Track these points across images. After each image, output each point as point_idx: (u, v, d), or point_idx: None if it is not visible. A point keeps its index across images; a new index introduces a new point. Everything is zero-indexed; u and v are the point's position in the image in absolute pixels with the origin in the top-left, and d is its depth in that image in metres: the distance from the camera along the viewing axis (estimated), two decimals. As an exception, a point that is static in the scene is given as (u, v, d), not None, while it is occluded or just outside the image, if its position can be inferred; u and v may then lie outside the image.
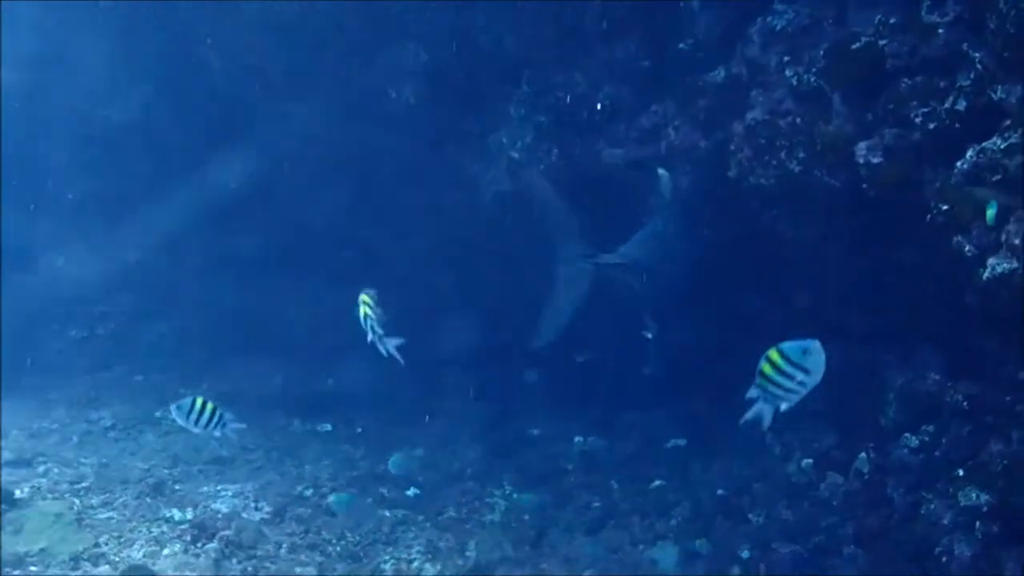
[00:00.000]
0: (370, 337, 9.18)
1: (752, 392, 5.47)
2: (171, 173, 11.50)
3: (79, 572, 8.66)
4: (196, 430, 7.33)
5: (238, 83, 10.91)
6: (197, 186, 11.16)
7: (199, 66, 10.87)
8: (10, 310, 11.38)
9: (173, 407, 7.28)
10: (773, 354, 5.32)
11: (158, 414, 11.34)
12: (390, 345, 8.04)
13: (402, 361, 8.66)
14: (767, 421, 5.55)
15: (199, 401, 7.18)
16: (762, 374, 5.36)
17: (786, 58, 8.07)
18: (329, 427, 11.15)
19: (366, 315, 9.18)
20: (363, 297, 7.93)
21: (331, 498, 10.03)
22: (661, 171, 8.64)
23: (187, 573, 8.78)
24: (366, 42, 10.00)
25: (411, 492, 9.93)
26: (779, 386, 5.37)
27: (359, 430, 10.36)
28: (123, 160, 12.22)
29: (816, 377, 5.30)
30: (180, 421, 7.26)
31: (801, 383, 5.33)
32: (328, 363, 11.47)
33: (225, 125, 10.90)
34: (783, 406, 5.52)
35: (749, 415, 5.57)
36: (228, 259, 11.65)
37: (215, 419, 7.19)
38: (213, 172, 10.96)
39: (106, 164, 12.34)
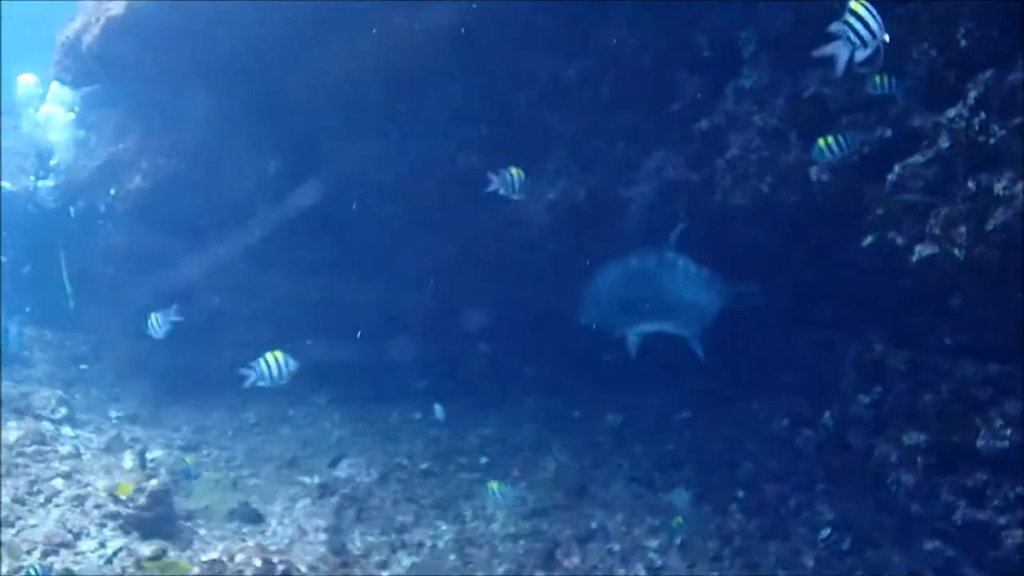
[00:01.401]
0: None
1: (834, 26, 4.98)
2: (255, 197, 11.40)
3: (233, 525, 8.73)
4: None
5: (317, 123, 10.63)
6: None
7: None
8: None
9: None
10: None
11: (291, 412, 11.36)
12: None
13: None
14: (841, 65, 5.12)
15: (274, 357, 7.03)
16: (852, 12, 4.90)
17: (754, 108, 8.06)
18: (418, 416, 11.04)
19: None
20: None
21: (424, 464, 10.13)
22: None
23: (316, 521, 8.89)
24: (441, 118, 9.88)
25: (484, 459, 9.88)
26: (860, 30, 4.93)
27: (440, 418, 9.88)
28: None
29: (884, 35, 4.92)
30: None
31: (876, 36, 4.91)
32: (416, 368, 11.26)
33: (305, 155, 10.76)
34: (857, 55, 5.05)
35: (827, 49, 5.08)
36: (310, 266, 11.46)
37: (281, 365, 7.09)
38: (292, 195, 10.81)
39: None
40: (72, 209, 11.94)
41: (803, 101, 7.63)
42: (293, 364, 7.01)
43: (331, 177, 10.42)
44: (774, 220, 8.00)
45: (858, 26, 4.89)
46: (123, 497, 8.24)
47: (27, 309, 12.09)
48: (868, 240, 7.67)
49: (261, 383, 6.99)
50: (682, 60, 8.61)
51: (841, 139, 6.94)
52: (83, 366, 12.69)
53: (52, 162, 12.96)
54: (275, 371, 6.95)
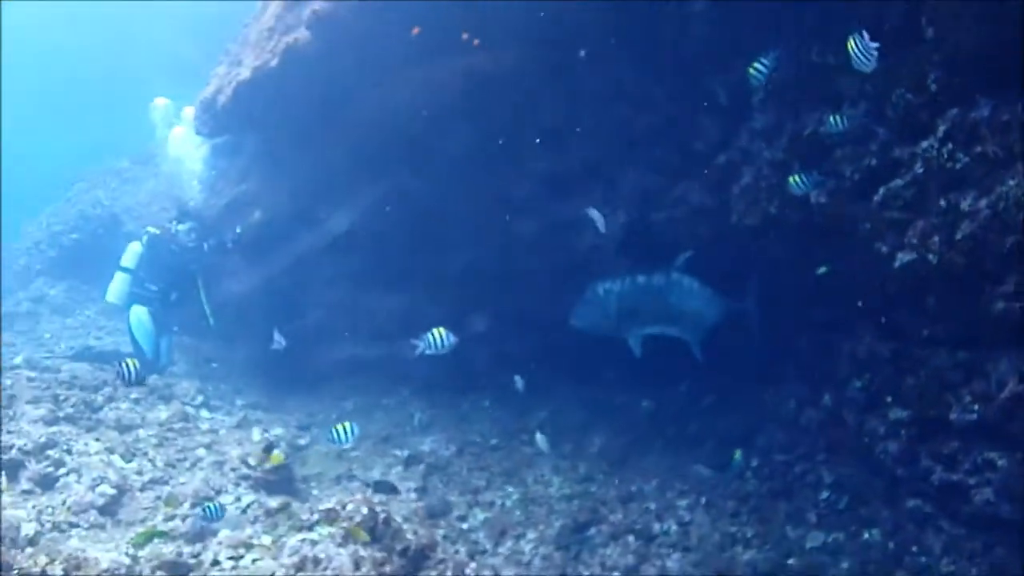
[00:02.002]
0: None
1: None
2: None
3: (339, 487, 8.92)
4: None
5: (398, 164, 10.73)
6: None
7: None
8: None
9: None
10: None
11: (382, 401, 11.47)
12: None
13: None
14: None
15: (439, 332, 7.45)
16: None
17: (763, 145, 8.12)
18: (487, 403, 11.13)
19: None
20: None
21: (493, 441, 10.27)
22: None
23: (408, 483, 9.04)
24: (508, 157, 9.94)
25: (539, 441, 9.98)
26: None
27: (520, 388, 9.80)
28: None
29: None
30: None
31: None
32: (482, 364, 11.26)
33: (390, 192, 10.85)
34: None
35: None
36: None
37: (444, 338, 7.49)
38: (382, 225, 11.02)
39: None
40: (206, 245, 12.12)
41: (803, 138, 7.70)
42: (453, 338, 7.53)
43: (416, 208, 10.56)
44: (780, 236, 8.10)
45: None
46: (276, 465, 8.53)
47: (175, 328, 12.32)
48: (822, 270, 7.92)
49: (428, 351, 7.55)
50: (703, 107, 8.64)
51: (804, 177, 7.30)
52: (213, 364, 12.94)
53: (191, 204, 13.25)
54: (439, 343, 7.50)
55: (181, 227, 12.14)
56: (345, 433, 7.46)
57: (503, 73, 8.98)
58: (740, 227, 8.38)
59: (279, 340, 9.46)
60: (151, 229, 12.33)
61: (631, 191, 9.32)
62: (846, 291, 8.05)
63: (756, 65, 7.20)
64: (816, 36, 7.54)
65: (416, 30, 8.65)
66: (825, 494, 8.56)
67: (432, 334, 7.53)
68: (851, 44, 6.04)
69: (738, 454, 9.07)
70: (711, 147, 8.63)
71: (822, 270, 8.09)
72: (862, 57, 6.03)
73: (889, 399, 7.98)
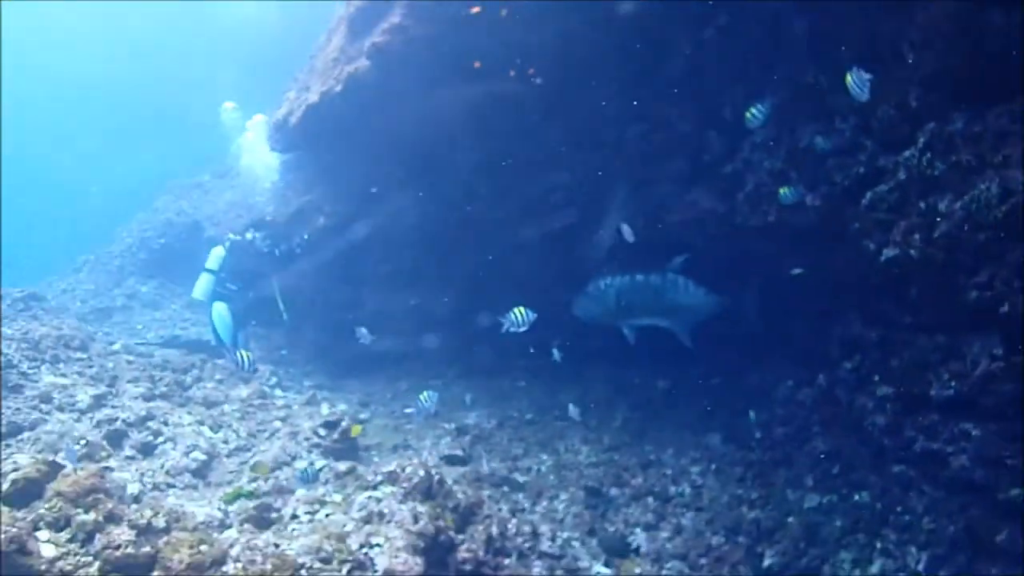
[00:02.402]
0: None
1: None
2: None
3: (396, 455, 9.08)
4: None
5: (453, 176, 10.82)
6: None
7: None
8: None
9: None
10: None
11: (431, 382, 11.54)
12: None
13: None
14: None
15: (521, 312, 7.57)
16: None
17: (764, 156, 8.20)
18: (523, 383, 11.23)
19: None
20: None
21: (528, 416, 10.38)
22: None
23: (456, 452, 9.19)
24: (535, 167, 10.04)
25: (572, 410, 10.08)
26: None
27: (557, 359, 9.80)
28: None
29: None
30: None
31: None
32: (518, 350, 11.38)
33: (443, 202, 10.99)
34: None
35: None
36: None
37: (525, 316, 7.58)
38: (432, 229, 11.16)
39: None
40: (277, 250, 12.32)
41: (799, 150, 7.79)
42: (532, 315, 7.58)
43: (465, 216, 10.74)
44: (779, 236, 8.18)
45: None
46: (355, 436, 8.75)
47: (252, 323, 12.53)
48: (797, 271, 8.09)
49: (511, 329, 7.59)
50: (712, 124, 8.70)
51: (791, 189, 7.65)
52: (283, 351, 13.16)
53: (268, 218, 13.46)
54: (521, 320, 7.55)
55: (256, 235, 12.37)
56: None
57: (531, 95, 9.11)
58: (745, 227, 8.45)
59: (365, 334, 9.59)
60: (232, 236, 12.57)
61: (647, 198, 9.36)
62: (837, 283, 8.12)
63: (753, 110, 7.35)
64: (810, 60, 7.64)
65: (477, 64, 8.77)
66: (820, 461, 8.61)
67: (514, 312, 7.62)
68: (849, 77, 6.26)
69: (752, 414, 9.20)
70: (718, 159, 8.67)
71: (797, 271, 8.23)
72: (858, 88, 6.21)
73: (876, 378, 8.04)
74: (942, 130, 6.48)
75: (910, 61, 6.68)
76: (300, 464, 7.91)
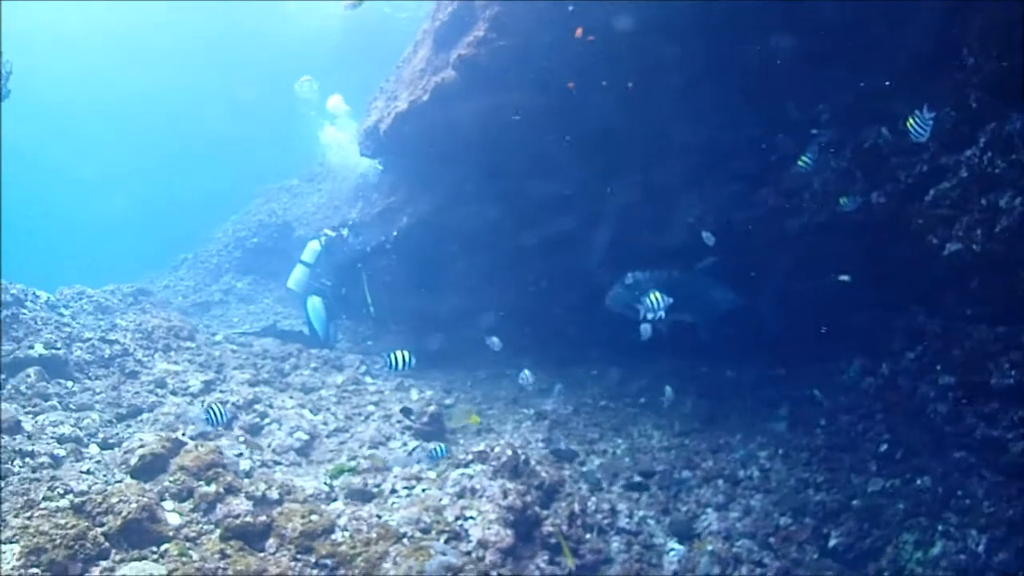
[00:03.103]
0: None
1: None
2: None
3: (479, 437, 9.33)
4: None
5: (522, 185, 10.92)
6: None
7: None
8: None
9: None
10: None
11: (507, 371, 11.69)
12: None
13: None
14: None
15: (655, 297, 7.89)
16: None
17: (829, 156, 8.28)
18: (595, 372, 11.33)
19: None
20: None
21: (602, 402, 10.56)
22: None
23: (537, 435, 9.41)
24: (613, 170, 10.13)
25: (642, 400, 10.22)
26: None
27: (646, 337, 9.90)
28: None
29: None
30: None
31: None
32: (590, 341, 11.56)
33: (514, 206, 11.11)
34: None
35: None
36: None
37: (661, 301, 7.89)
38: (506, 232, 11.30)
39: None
40: (368, 247, 12.65)
41: (864, 150, 7.87)
42: (669, 299, 7.91)
43: (541, 221, 10.90)
44: (846, 232, 8.25)
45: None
46: (472, 424, 9.12)
47: (344, 317, 12.92)
48: (844, 278, 8.28)
49: (649, 315, 8.15)
50: (778, 126, 8.78)
51: (849, 198, 7.83)
52: (369, 342, 13.49)
53: (352, 215, 13.84)
54: (657, 305, 7.96)
55: (348, 232, 12.76)
56: (403, 360, 7.52)
57: (606, 101, 9.26)
58: (811, 225, 8.55)
59: (495, 343, 9.69)
60: (328, 232, 12.98)
61: (717, 196, 9.47)
62: (899, 276, 8.18)
63: (804, 158, 7.64)
64: (871, 64, 7.73)
65: (571, 84, 8.97)
66: (883, 447, 8.67)
67: (650, 297, 7.90)
68: (911, 120, 6.43)
69: (817, 392, 9.33)
70: (785, 159, 8.74)
71: (844, 278, 8.32)
72: (920, 128, 6.40)
73: (938, 367, 8.15)
74: (1001, 130, 6.58)
75: (970, 64, 6.76)
76: (394, 444, 8.24)
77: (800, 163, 7.88)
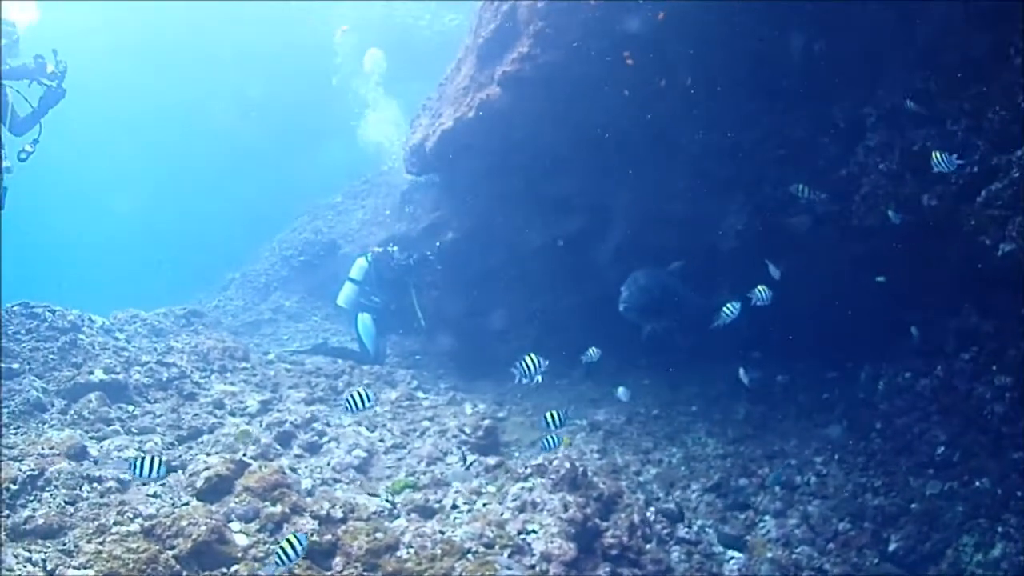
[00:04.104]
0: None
1: None
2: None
3: (534, 449, 9.33)
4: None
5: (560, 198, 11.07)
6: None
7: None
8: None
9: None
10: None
11: (557, 382, 11.70)
12: None
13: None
14: None
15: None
16: None
17: (878, 159, 8.24)
18: (646, 382, 11.18)
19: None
20: None
21: (655, 411, 10.55)
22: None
23: (591, 446, 9.42)
24: (653, 179, 10.19)
25: (694, 408, 10.19)
26: None
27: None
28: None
29: None
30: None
31: None
32: (638, 350, 11.39)
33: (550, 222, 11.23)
34: None
35: None
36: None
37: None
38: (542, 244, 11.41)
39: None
40: (411, 259, 12.76)
41: (913, 152, 7.81)
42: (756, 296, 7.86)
43: (573, 230, 11.00)
44: (895, 234, 8.20)
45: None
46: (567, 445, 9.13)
47: (399, 331, 13.04)
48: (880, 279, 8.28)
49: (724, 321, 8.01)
50: (824, 130, 8.74)
51: (893, 211, 7.91)
52: (417, 356, 13.56)
53: (399, 229, 13.94)
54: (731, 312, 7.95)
55: (395, 248, 12.89)
56: (362, 400, 7.06)
57: (654, 110, 9.31)
58: (861, 228, 8.49)
59: (592, 353, 9.63)
60: (375, 249, 13.12)
61: (764, 200, 9.44)
62: (951, 277, 8.13)
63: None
64: (919, 64, 7.69)
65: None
66: (940, 449, 8.56)
67: (726, 308, 7.90)
68: (935, 156, 6.72)
69: (881, 383, 9.29)
70: (832, 163, 8.72)
71: (880, 279, 8.36)
72: (943, 164, 6.72)
73: (994, 368, 8.07)
74: (1052, 129, 6.52)
75: (1017, 64, 6.72)
76: (451, 459, 8.31)
77: (891, 214, 7.96)
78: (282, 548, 5.44)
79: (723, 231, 9.64)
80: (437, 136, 11.00)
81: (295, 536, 5.52)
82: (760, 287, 7.92)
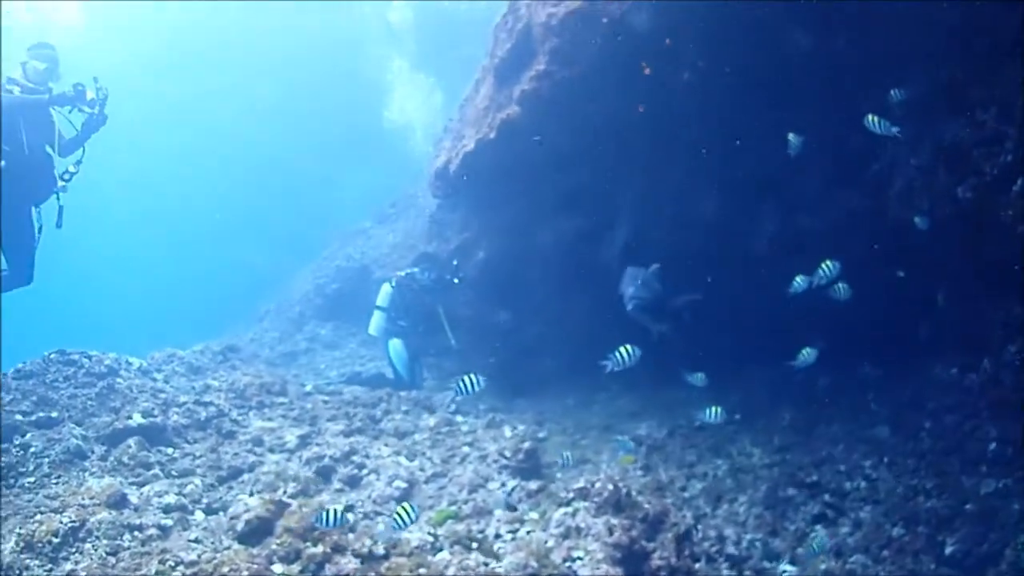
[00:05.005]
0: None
1: None
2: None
3: (576, 470, 9.20)
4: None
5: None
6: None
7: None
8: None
9: None
10: None
11: (596, 396, 11.64)
12: None
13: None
14: None
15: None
16: None
17: (908, 153, 8.12)
18: (683, 395, 10.81)
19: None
20: None
21: (695, 423, 10.34)
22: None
23: (630, 465, 9.28)
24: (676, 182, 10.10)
25: (737, 416, 10.00)
26: None
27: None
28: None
29: None
30: None
31: None
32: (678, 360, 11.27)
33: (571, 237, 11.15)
34: None
35: None
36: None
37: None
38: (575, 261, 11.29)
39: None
40: (429, 278, 12.70)
41: (944, 147, 7.67)
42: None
43: (602, 245, 10.92)
44: (932, 227, 8.02)
45: None
46: (627, 465, 9.06)
47: (431, 352, 12.98)
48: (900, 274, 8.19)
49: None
50: (852, 125, 8.51)
51: (921, 218, 7.92)
52: (455, 378, 13.47)
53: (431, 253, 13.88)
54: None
55: (416, 269, 12.83)
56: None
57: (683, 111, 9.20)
58: (897, 222, 8.31)
59: (700, 377, 9.32)
60: (399, 273, 13.09)
61: (794, 196, 9.31)
62: (992, 268, 7.89)
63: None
64: (947, 55, 7.53)
65: (641, 108, 8.93)
66: (992, 446, 8.31)
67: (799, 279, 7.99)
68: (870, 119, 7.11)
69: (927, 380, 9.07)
70: (861, 159, 8.58)
71: (900, 274, 8.29)
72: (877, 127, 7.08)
73: (1043, 359, 7.86)
74: (1084, 114, 6.34)
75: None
76: (493, 485, 8.20)
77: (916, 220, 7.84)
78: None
79: (758, 235, 9.46)
80: (460, 159, 11.01)
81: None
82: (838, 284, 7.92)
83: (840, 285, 7.87)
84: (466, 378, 7.98)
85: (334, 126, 33.62)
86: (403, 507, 6.47)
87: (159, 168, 41.06)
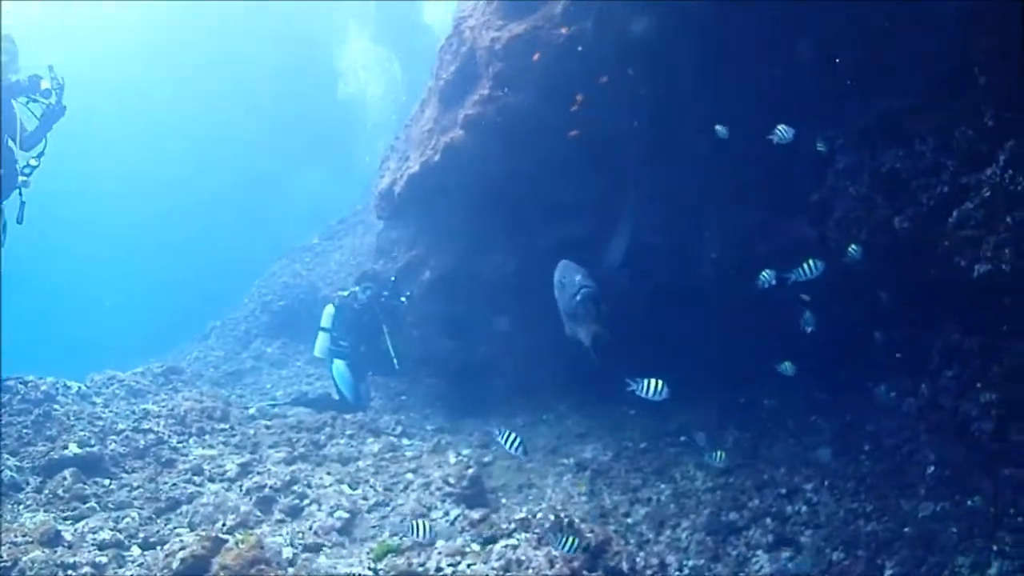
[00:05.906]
0: None
1: None
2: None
3: (522, 495, 9.20)
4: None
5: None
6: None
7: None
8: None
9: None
10: None
11: (543, 416, 11.57)
12: None
13: None
14: None
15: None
16: None
17: (848, 182, 8.18)
18: (632, 412, 10.96)
19: None
20: None
21: (642, 444, 10.34)
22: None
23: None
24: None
25: (682, 438, 9.99)
26: None
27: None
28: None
29: None
30: None
31: None
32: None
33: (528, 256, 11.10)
34: None
35: None
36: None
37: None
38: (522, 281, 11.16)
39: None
40: (382, 297, 12.59)
41: (882, 174, 7.73)
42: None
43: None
44: (871, 256, 8.10)
45: None
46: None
47: (370, 373, 12.84)
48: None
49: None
50: (795, 156, 8.61)
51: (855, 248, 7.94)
52: (402, 397, 13.42)
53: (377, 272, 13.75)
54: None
55: (357, 288, 12.71)
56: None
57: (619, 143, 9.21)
58: (838, 251, 8.39)
59: (702, 437, 9.38)
60: (341, 293, 12.97)
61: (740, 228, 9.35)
62: (931, 295, 8.02)
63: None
64: (886, 87, 7.63)
65: (573, 133, 8.91)
66: (931, 469, 8.45)
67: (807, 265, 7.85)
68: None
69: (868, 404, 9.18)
70: (802, 190, 8.66)
71: (805, 297, 8.43)
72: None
73: (978, 385, 7.93)
74: (1020, 147, 6.43)
75: (982, 83, 6.65)
76: (436, 514, 8.13)
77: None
78: None
79: (699, 262, 9.50)
80: (405, 181, 10.96)
81: None
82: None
83: (807, 315, 7.92)
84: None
85: (287, 103, 33.16)
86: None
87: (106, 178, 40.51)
